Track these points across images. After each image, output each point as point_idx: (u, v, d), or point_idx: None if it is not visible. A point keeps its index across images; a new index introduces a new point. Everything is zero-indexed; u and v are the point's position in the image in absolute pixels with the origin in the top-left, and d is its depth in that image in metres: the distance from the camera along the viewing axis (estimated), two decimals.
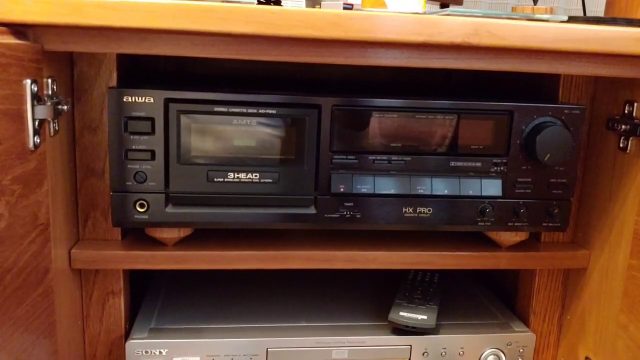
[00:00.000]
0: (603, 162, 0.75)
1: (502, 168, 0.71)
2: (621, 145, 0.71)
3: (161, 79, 0.83)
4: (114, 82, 0.66)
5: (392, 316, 0.76)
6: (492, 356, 0.78)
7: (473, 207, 0.71)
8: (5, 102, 0.49)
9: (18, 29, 0.53)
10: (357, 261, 0.73)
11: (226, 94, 0.65)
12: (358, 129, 0.68)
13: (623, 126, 0.71)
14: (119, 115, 0.64)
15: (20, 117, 0.51)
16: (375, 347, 0.75)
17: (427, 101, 0.69)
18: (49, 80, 0.57)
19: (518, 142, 0.71)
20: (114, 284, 0.72)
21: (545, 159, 0.69)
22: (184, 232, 0.71)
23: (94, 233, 0.70)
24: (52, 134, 0.59)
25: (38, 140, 0.53)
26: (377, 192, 0.69)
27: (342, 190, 0.69)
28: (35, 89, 0.52)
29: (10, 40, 0.51)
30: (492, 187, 0.71)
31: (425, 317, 0.76)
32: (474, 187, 0.71)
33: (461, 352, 0.77)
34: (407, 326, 0.75)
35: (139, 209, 0.66)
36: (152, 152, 0.65)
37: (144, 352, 0.71)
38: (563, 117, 0.70)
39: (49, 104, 0.55)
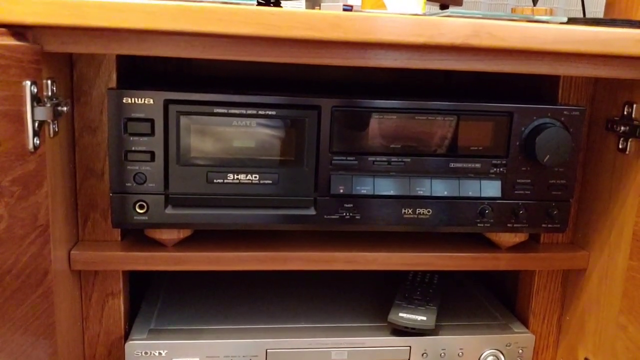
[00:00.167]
0: (602, 163, 0.75)
1: (501, 169, 0.71)
2: (620, 146, 0.71)
3: (160, 79, 0.83)
4: (113, 83, 0.66)
5: (391, 317, 0.76)
6: (492, 357, 0.78)
7: (472, 208, 0.72)
8: (4, 104, 0.49)
9: (17, 30, 0.53)
10: (356, 262, 0.73)
11: (226, 95, 0.65)
12: (358, 130, 0.69)
13: (622, 127, 0.71)
14: (118, 117, 0.63)
15: (20, 118, 0.51)
16: (374, 348, 0.75)
17: (426, 102, 0.69)
18: (49, 82, 0.57)
19: (517, 143, 0.71)
20: (113, 285, 0.72)
21: (545, 160, 0.69)
22: (183, 233, 0.71)
23: (94, 234, 0.70)
24: (51, 135, 0.59)
25: (38, 142, 0.53)
26: (376, 193, 0.69)
27: (341, 191, 0.69)
28: (35, 90, 0.52)
29: (10, 41, 0.51)
30: (491, 188, 0.71)
31: (424, 318, 0.76)
32: (473, 188, 0.71)
33: (460, 353, 0.77)
34: (406, 327, 0.75)
35: (138, 210, 0.66)
36: (152, 154, 0.65)
37: (143, 353, 0.71)
38: (562, 119, 0.70)
39: (48, 105, 0.55)
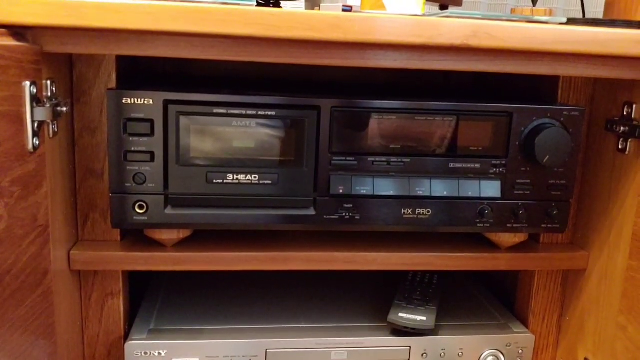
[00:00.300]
0: (602, 163, 0.75)
1: (501, 169, 0.71)
2: (620, 146, 0.71)
3: (160, 80, 0.83)
4: (113, 83, 0.66)
5: (391, 317, 0.76)
6: (492, 357, 0.78)
7: (472, 209, 0.72)
8: (4, 104, 0.49)
9: (17, 31, 0.53)
10: (356, 262, 0.73)
11: (225, 96, 0.65)
12: (357, 130, 0.69)
13: (622, 128, 0.71)
14: (118, 117, 0.64)
15: (20, 119, 0.51)
16: (374, 348, 0.75)
17: (426, 103, 0.69)
18: (48, 82, 0.57)
19: (517, 143, 0.71)
20: (113, 285, 0.72)
21: (545, 160, 0.69)
22: (183, 234, 0.71)
23: (93, 234, 0.70)
24: (51, 136, 0.59)
25: (37, 142, 0.53)
26: (376, 193, 0.70)
27: (341, 191, 0.69)
28: (35, 90, 0.52)
29: (10, 42, 0.51)
30: (491, 189, 0.71)
31: (424, 318, 0.76)
32: (473, 188, 0.71)
33: (460, 353, 0.77)
34: (406, 327, 0.75)
35: (138, 210, 0.66)
36: (152, 154, 0.65)
37: (143, 353, 0.71)
38: (562, 119, 0.70)
39: (48, 105, 0.55)
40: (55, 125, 0.60)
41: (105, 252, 0.69)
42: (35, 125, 0.53)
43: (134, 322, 0.76)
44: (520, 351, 0.78)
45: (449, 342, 0.76)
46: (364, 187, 0.69)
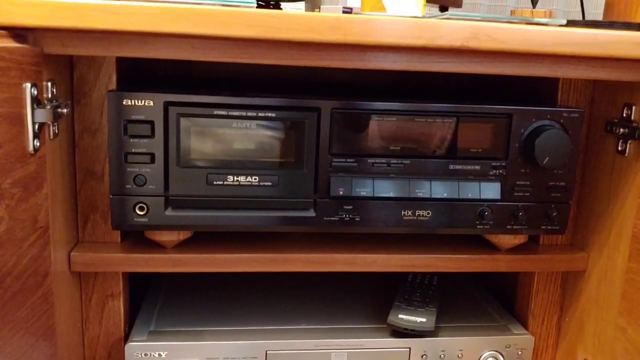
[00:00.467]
0: (601, 165, 0.75)
1: (501, 171, 0.71)
2: (620, 148, 0.72)
3: (160, 81, 0.83)
4: (113, 85, 0.67)
5: (391, 319, 0.76)
6: (491, 358, 0.78)
7: (472, 210, 0.72)
8: (5, 106, 0.49)
9: (18, 33, 0.53)
10: (356, 264, 0.73)
11: (226, 97, 0.66)
12: (357, 132, 0.69)
13: (621, 129, 0.71)
14: (118, 119, 0.64)
15: (20, 120, 0.51)
16: (374, 349, 0.75)
17: (426, 104, 0.69)
18: (49, 84, 0.57)
19: (517, 145, 0.71)
20: (113, 287, 0.72)
21: (544, 162, 0.69)
22: (183, 235, 0.71)
23: (94, 236, 0.70)
24: (51, 137, 0.59)
25: (38, 144, 0.53)
26: (376, 195, 0.70)
27: (341, 193, 0.69)
28: (35, 92, 0.53)
29: (10, 43, 0.51)
30: (491, 190, 0.71)
31: (424, 319, 0.76)
32: (472, 190, 0.71)
33: (460, 355, 0.77)
34: (406, 329, 0.75)
35: (138, 211, 0.66)
36: (152, 155, 0.65)
37: (143, 355, 0.71)
38: (562, 121, 0.70)
39: (48, 107, 0.55)
40: (56, 127, 0.60)
41: (105, 253, 0.69)
42: (36, 126, 0.53)
43: (134, 323, 0.76)
44: (520, 352, 0.78)
45: (449, 343, 0.76)
46: (364, 188, 0.69)
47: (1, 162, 0.49)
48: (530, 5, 0.98)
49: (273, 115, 0.67)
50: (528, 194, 0.72)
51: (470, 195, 0.71)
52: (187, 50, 0.58)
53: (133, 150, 0.65)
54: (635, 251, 0.69)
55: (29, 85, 0.51)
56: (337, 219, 0.70)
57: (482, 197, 0.71)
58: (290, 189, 0.69)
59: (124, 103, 0.63)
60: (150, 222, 0.67)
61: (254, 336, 0.74)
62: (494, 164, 0.71)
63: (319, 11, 0.71)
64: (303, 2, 0.97)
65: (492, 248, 0.77)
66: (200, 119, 0.65)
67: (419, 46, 0.58)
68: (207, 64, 0.96)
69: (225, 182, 0.67)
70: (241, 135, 0.67)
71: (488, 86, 0.97)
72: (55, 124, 0.60)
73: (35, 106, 0.53)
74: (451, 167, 0.71)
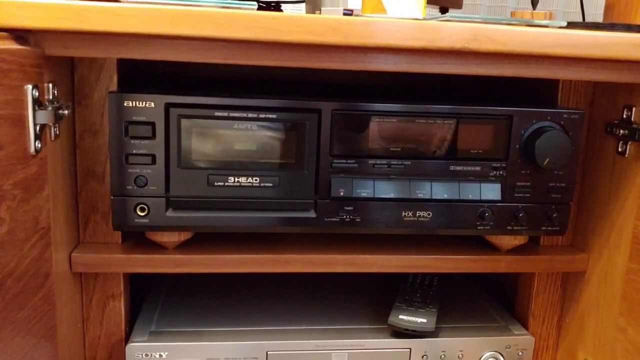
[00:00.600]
0: (602, 166, 0.75)
1: (501, 172, 0.72)
2: (620, 149, 0.72)
3: (161, 82, 0.83)
4: (114, 86, 0.67)
5: (391, 319, 0.76)
6: (492, 359, 0.78)
7: (472, 211, 0.72)
8: (6, 107, 0.49)
9: (19, 34, 0.53)
10: (357, 265, 0.73)
11: (226, 99, 0.66)
12: (358, 133, 0.69)
13: (622, 131, 0.71)
14: (119, 120, 0.64)
15: (22, 122, 0.51)
16: (374, 350, 0.75)
17: (426, 106, 0.69)
18: (50, 85, 0.57)
19: (517, 146, 0.71)
20: (114, 288, 0.72)
21: (545, 163, 0.69)
22: (184, 236, 0.71)
23: (95, 237, 0.71)
24: (52, 139, 0.59)
25: (39, 145, 0.54)
26: (376, 196, 0.70)
27: (342, 194, 0.69)
28: (37, 94, 0.53)
29: (12, 45, 0.51)
30: (491, 191, 0.72)
31: (424, 320, 0.76)
32: (473, 191, 0.71)
33: (460, 355, 0.77)
34: (406, 329, 0.75)
35: (139, 212, 0.66)
36: (153, 157, 0.65)
37: (144, 355, 0.71)
38: (562, 122, 0.71)
39: (50, 108, 0.55)
40: (57, 128, 0.60)
41: (106, 254, 0.69)
42: (37, 128, 0.53)
43: (135, 324, 0.76)
44: (520, 353, 0.79)
45: (449, 344, 0.77)
46: (365, 189, 0.69)
47: (3, 163, 0.49)
48: (531, 7, 0.98)
49: (274, 116, 0.67)
50: (528, 194, 0.72)
51: (470, 196, 0.71)
52: (188, 52, 0.59)
53: (134, 152, 0.65)
54: (635, 252, 0.69)
55: (30, 86, 0.52)
56: (337, 219, 0.70)
57: (483, 198, 0.72)
58: (290, 190, 0.69)
59: (125, 104, 0.63)
60: (151, 223, 0.67)
61: (255, 337, 0.74)
62: (494, 165, 0.71)
63: (320, 13, 0.72)
64: (304, 4, 0.98)
65: (493, 249, 0.77)
66: (201, 120, 0.66)
67: (419, 48, 0.58)
68: (207, 65, 0.96)
69: (226, 183, 0.67)
70: (242, 136, 0.67)
71: (488, 87, 0.97)
72: (57, 125, 0.60)
73: (36, 108, 0.53)
74: (452, 168, 0.71)
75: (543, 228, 0.74)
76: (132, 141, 0.64)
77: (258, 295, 0.87)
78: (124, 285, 0.73)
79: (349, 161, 0.69)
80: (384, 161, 0.70)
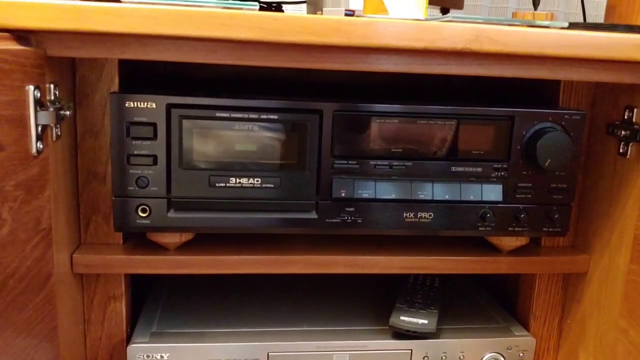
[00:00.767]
0: (603, 167, 0.75)
1: (502, 173, 0.71)
2: (621, 150, 0.72)
3: (162, 83, 0.83)
4: (115, 86, 0.67)
5: (392, 320, 0.76)
6: None
7: (474, 212, 0.72)
8: (8, 108, 0.49)
9: (21, 35, 0.53)
10: (358, 266, 0.73)
11: (228, 100, 0.66)
12: (359, 134, 0.69)
13: (623, 132, 0.71)
14: (121, 121, 0.64)
15: (23, 123, 0.51)
16: (376, 351, 0.75)
17: (428, 107, 0.69)
18: (52, 86, 0.57)
19: (518, 147, 0.71)
20: (115, 288, 0.72)
21: (546, 164, 0.69)
22: (185, 237, 0.71)
23: (96, 237, 0.71)
24: (54, 139, 0.59)
25: (41, 146, 0.54)
26: (378, 197, 0.70)
27: (343, 195, 0.69)
28: (38, 94, 0.53)
29: (13, 46, 0.51)
30: (492, 192, 0.72)
31: (425, 321, 0.76)
32: (474, 192, 0.71)
33: (461, 356, 0.77)
34: (407, 330, 0.75)
35: (140, 213, 0.66)
36: (154, 157, 0.65)
37: (145, 357, 0.71)
38: (563, 123, 0.71)
39: (51, 109, 0.55)
40: (58, 129, 0.60)
41: (107, 255, 0.69)
42: (39, 129, 0.53)
43: (136, 325, 0.76)
44: (521, 354, 0.78)
45: (450, 345, 0.76)
46: (366, 190, 0.69)
47: (4, 164, 0.49)
48: (532, 8, 0.98)
49: (275, 117, 0.67)
50: (530, 195, 0.72)
51: (472, 197, 0.71)
52: (189, 52, 0.59)
53: (135, 152, 0.65)
54: (636, 253, 0.69)
55: (31, 87, 0.52)
56: (339, 220, 0.70)
57: (484, 199, 0.71)
58: (292, 191, 0.69)
59: (126, 105, 0.63)
60: (152, 224, 0.67)
61: (256, 338, 0.74)
62: (495, 166, 0.71)
63: (321, 14, 0.72)
64: (305, 5, 0.98)
65: (494, 250, 0.77)
66: (203, 121, 0.66)
67: (421, 48, 0.58)
68: (209, 65, 0.96)
69: (227, 184, 0.67)
70: (243, 137, 0.67)
71: (489, 88, 0.97)
72: (58, 126, 0.60)
73: (38, 108, 0.53)
74: (453, 169, 0.71)
75: (544, 229, 0.74)
76: (134, 142, 0.64)
77: (259, 297, 0.87)
78: (125, 286, 0.73)
79: (350, 162, 0.69)
80: (385, 162, 0.70)
